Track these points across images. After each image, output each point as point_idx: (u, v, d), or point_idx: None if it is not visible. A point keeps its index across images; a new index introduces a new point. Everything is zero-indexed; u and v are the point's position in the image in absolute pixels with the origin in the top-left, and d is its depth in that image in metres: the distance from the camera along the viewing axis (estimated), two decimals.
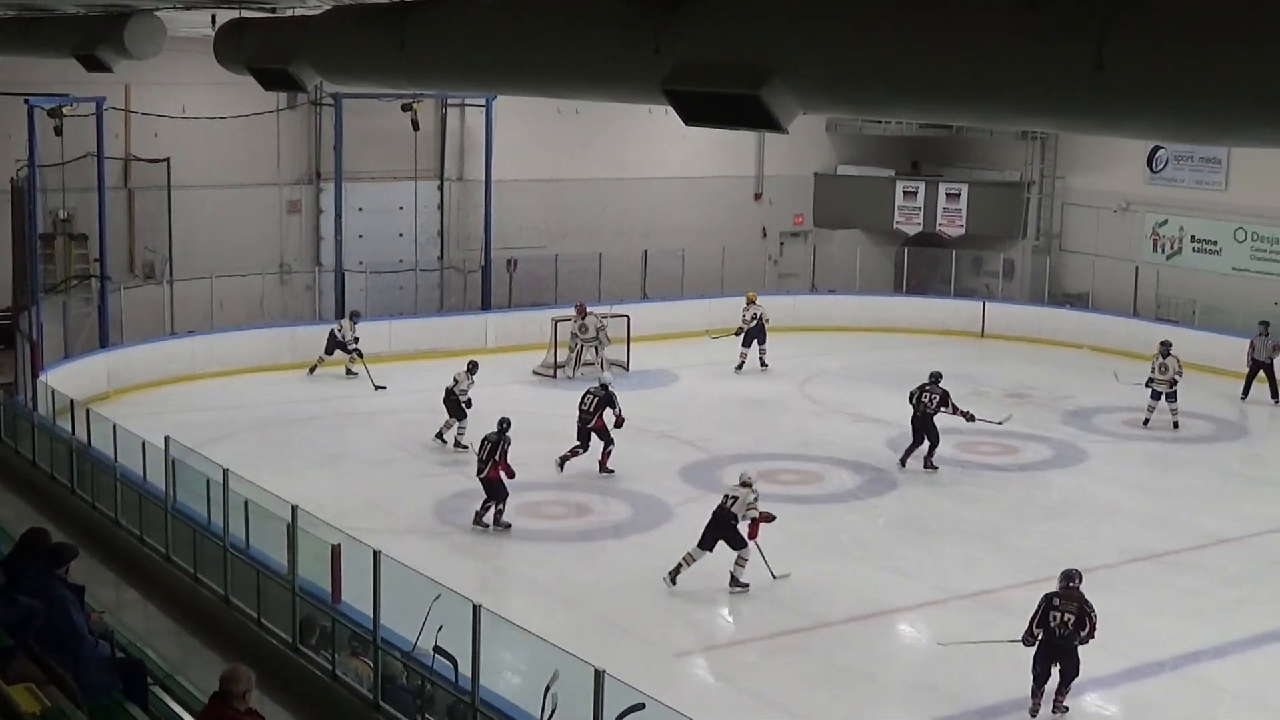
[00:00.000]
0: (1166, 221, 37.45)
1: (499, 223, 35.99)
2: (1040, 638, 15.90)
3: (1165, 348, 28.99)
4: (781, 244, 41.65)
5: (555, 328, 32.44)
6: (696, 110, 9.20)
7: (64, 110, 29.15)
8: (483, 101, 34.89)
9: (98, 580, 17.38)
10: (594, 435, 24.73)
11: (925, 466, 25.45)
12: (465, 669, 13.01)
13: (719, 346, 34.02)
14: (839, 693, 16.84)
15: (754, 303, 34.01)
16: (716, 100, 8.77)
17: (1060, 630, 15.80)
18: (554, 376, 31.89)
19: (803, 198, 41.68)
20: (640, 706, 11.28)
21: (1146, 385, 28.95)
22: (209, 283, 31.94)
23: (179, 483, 18.81)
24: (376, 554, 14.22)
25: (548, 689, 12.01)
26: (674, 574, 19.45)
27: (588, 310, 32.45)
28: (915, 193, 40.61)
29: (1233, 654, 17.90)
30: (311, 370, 31.40)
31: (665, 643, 17.91)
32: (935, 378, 26.07)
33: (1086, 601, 15.96)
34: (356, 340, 31.15)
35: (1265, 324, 31.80)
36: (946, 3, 7.46)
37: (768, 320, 33.75)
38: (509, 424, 22.21)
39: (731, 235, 39.88)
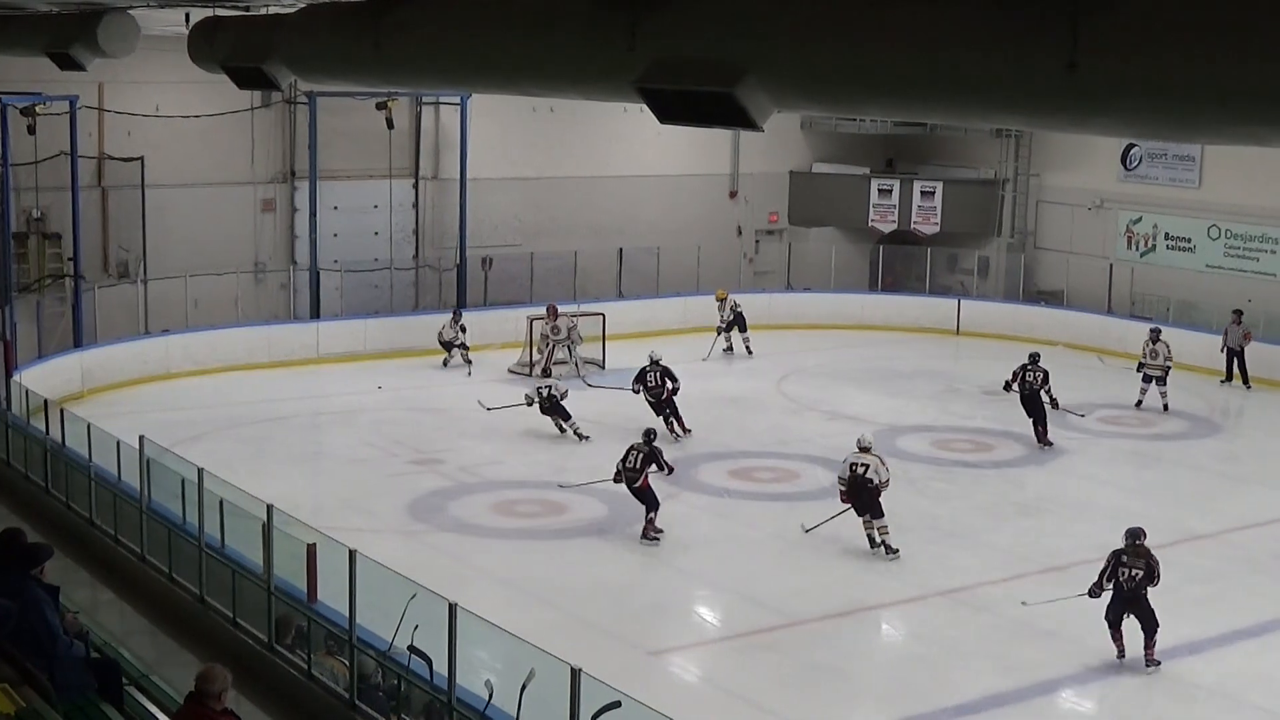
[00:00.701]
0: (1140, 219, 37.58)
1: (474, 221, 35.96)
2: (1110, 590, 17.10)
3: (1155, 334, 29.94)
4: (757, 242, 41.69)
5: (531, 326, 32.43)
6: (671, 108, 9.21)
7: (37, 109, 29.07)
8: (457, 100, 34.84)
9: (72, 580, 17.34)
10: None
11: (1040, 443, 26.90)
12: (441, 668, 13.00)
13: (691, 345, 34.07)
14: (814, 690, 16.85)
15: (725, 300, 34.66)
16: (691, 98, 8.77)
17: (1128, 584, 16.95)
18: (529, 375, 31.85)
19: (778, 196, 41.71)
20: (616, 704, 11.28)
21: (1138, 370, 30.11)
22: (183, 282, 31.84)
23: (154, 482, 18.76)
24: (352, 553, 14.21)
25: (524, 687, 12.01)
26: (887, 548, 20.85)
27: (559, 311, 32.46)
28: (890, 191, 40.66)
29: (1207, 650, 17.95)
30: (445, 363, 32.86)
31: (641, 641, 17.91)
32: (1034, 357, 27.70)
33: (1152, 556, 17.13)
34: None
35: (1238, 312, 32.52)
36: (920, 1, 7.48)
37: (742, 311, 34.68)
38: (655, 434, 22.56)
39: (707, 233, 39.90)
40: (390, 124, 33.61)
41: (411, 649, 13.36)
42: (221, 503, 17.22)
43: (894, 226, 40.63)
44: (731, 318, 34.60)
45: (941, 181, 40.39)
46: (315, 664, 14.76)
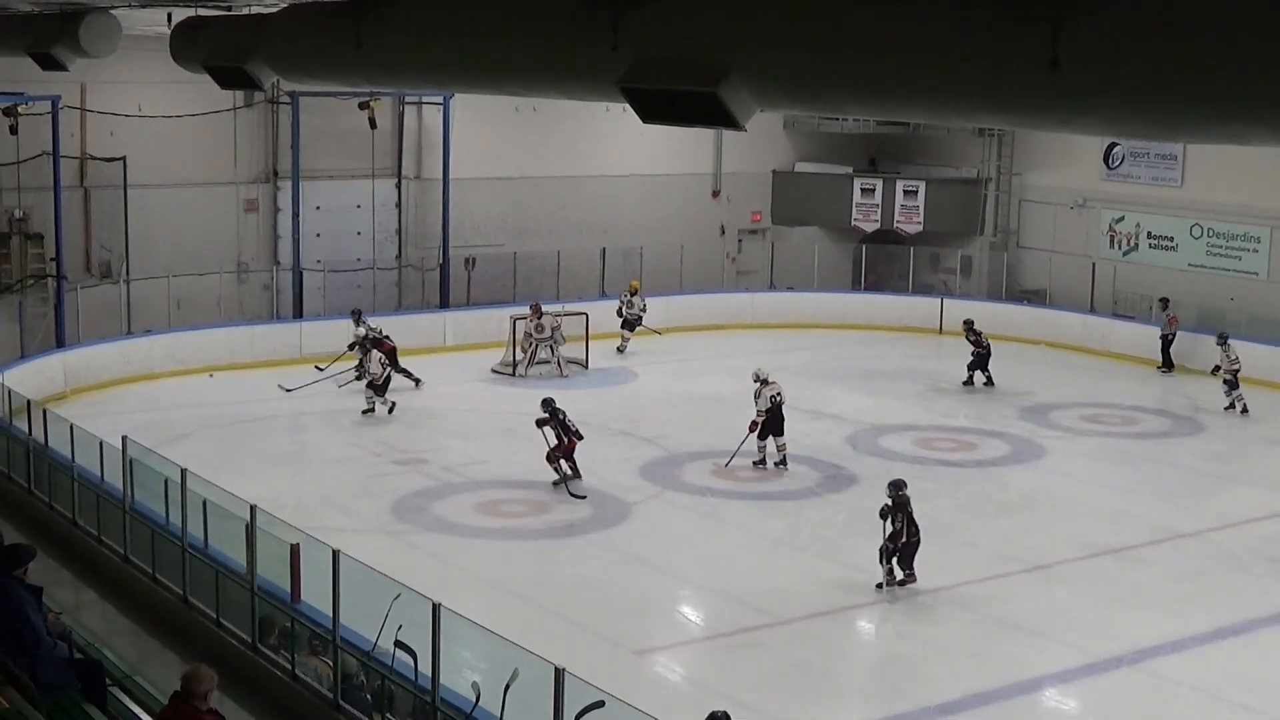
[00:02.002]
0: (1123, 218, 37.66)
1: (457, 221, 35.96)
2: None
3: (1223, 338, 30.19)
4: (740, 241, 41.73)
5: (514, 326, 32.42)
6: (654, 108, 9.21)
7: (19, 109, 29.04)
8: (440, 99, 34.84)
9: (55, 581, 17.31)
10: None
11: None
12: (425, 667, 12.99)
13: (675, 344, 34.11)
14: (798, 690, 16.87)
15: (638, 292, 35.33)
16: (674, 97, 8.78)
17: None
18: (512, 374, 31.88)
19: (761, 195, 41.76)
20: (600, 704, 11.29)
21: (1213, 373, 30.57)
22: (166, 282, 31.81)
23: (137, 483, 18.73)
24: (336, 553, 14.19)
25: (507, 687, 12.01)
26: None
27: (543, 310, 32.48)
28: (873, 190, 40.72)
29: (1189, 648, 17.99)
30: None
31: (625, 640, 17.91)
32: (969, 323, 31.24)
33: None
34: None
35: (1165, 300, 34.02)
36: (903, 0, 7.49)
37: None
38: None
39: (690, 233, 39.93)
40: (373, 124, 33.62)
41: (398, 644, 13.34)
42: (205, 503, 17.19)
43: (877, 226, 40.69)
44: (638, 315, 35.06)
45: (924, 181, 40.46)
46: (299, 664, 14.74)
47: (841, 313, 38.56)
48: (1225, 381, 29.83)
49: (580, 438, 23.98)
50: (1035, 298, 38.71)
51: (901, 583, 19.25)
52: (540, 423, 23.85)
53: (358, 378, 28.57)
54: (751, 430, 25.14)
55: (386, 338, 30.29)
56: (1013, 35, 6.80)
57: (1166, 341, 33.65)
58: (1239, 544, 22.02)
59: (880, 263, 40.82)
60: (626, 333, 34.87)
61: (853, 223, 40.98)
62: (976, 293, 39.67)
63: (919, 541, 19.32)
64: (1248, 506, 23.90)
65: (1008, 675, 17.02)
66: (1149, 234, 37.16)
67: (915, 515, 19.45)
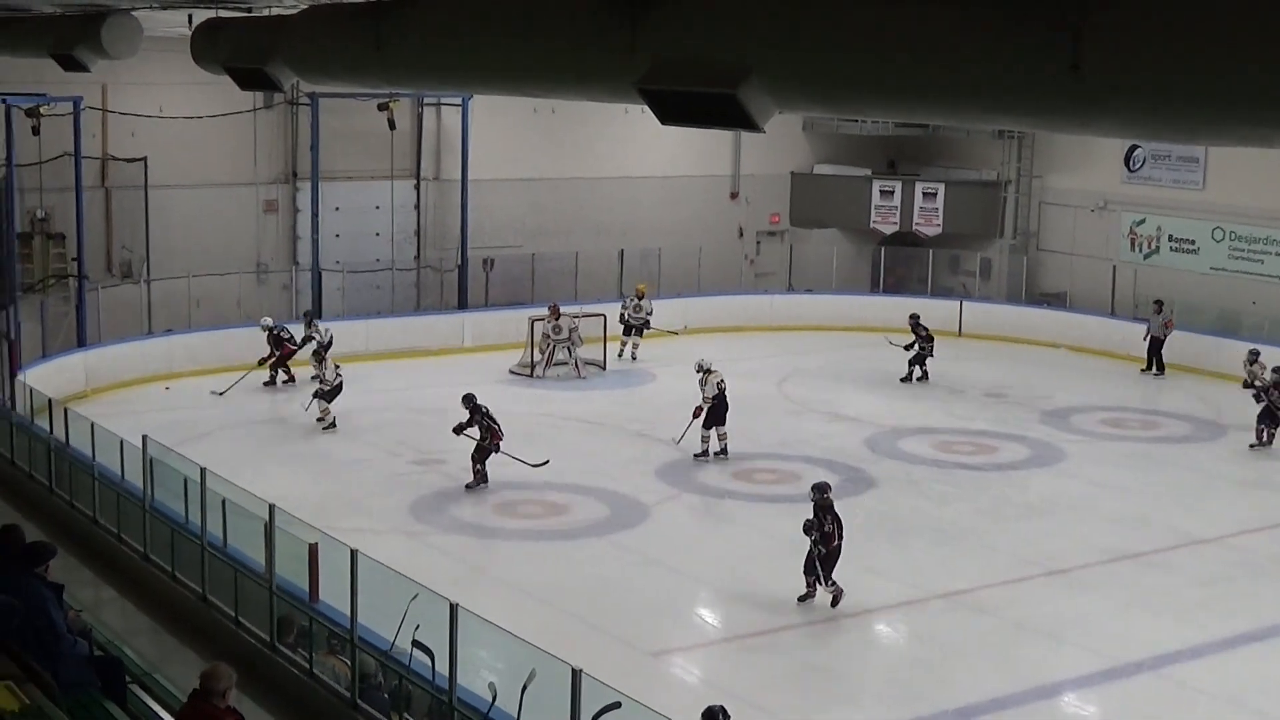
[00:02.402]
0: (1144, 221, 37.57)
1: (475, 222, 35.99)
2: None
3: (1254, 355, 29.08)
4: (758, 243, 41.70)
5: (532, 327, 32.44)
6: (672, 109, 9.21)
7: (41, 110, 29.10)
8: (459, 101, 34.87)
9: (76, 579, 17.35)
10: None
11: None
12: (442, 667, 13.01)
13: (692, 346, 34.07)
14: (813, 692, 16.87)
15: (644, 296, 35.10)
16: (692, 99, 8.77)
17: None
18: (530, 376, 31.90)
19: (779, 197, 41.72)
20: (617, 705, 11.30)
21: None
22: (186, 282, 31.90)
23: (157, 481, 18.79)
24: (354, 553, 14.23)
25: (524, 688, 12.02)
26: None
27: (561, 311, 32.49)
28: (892, 192, 40.67)
29: (1209, 654, 17.95)
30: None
31: (642, 642, 17.92)
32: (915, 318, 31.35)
33: None
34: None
35: (1159, 302, 33.86)
36: (923, 1, 7.48)
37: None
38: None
39: (708, 234, 39.92)
40: (392, 125, 33.64)
41: (415, 643, 13.37)
42: (224, 502, 17.23)
43: (896, 228, 40.65)
44: (641, 322, 34.87)
45: (943, 183, 40.39)
46: (317, 663, 14.78)
47: (860, 315, 38.45)
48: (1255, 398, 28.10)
49: (502, 434, 24.08)
50: (1055, 301, 38.63)
51: (834, 601, 18.84)
52: (460, 428, 23.99)
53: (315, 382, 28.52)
54: (696, 415, 25.80)
55: (290, 339, 30.58)
56: (1033, 37, 6.79)
57: (1158, 344, 33.52)
58: (1259, 550, 21.95)
59: (899, 265, 40.77)
60: (630, 339, 34.70)
61: (871, 225, 40.94)
62: (996, 295, 39.62)
63: (841, 548, 18.97)
64: (1268, 512, 23.80)
65: (1026, 680, 16.99)
66: (1170, 237, 37.06)
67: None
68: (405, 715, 13.57)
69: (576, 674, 11.16)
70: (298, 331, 30.82)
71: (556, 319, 32.18)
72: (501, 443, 23.93)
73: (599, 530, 22.18)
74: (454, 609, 12.67)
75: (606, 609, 18.95)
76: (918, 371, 32.38)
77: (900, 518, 23.06)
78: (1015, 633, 18.45)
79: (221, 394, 29.28)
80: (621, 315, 34.53)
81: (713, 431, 25.76)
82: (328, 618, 15.09)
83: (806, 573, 18.89)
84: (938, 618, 19.17)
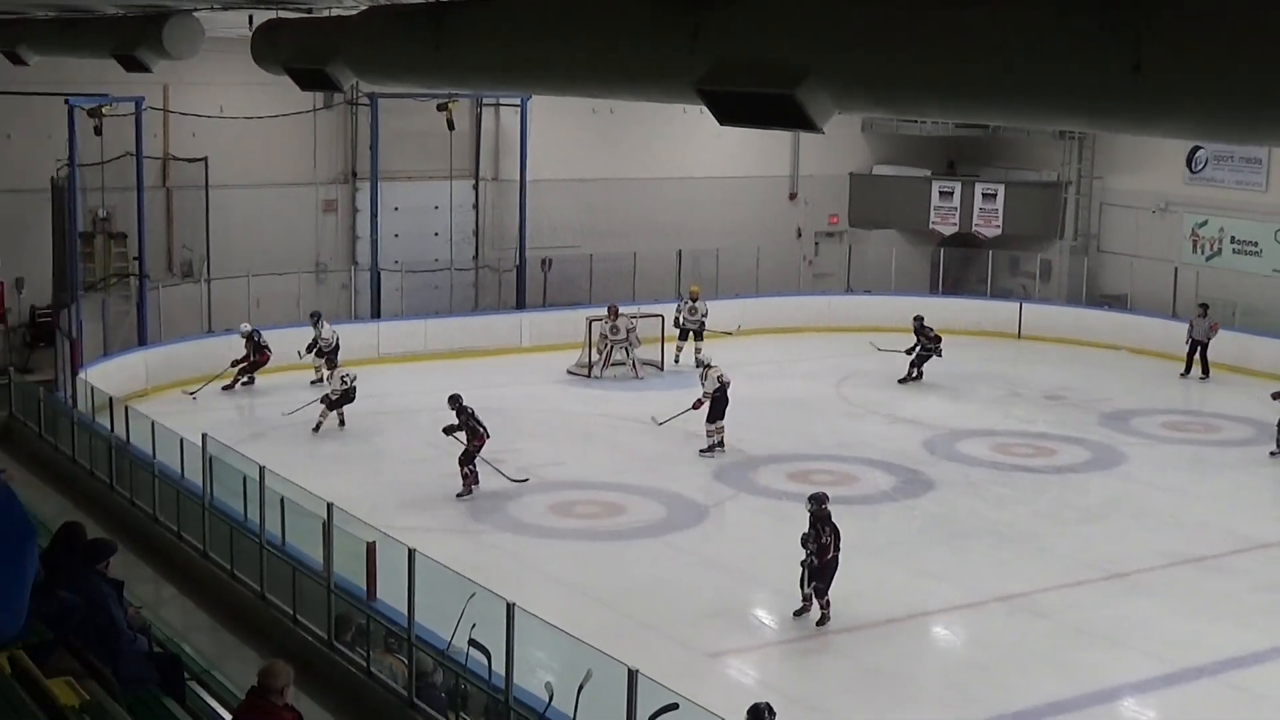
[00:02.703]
0: (1206, 222, 37.27)
1: (534, 222, 36.03)
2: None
3: None
4: (816, 244, 41.59)
5: (590, 327, 32.47)
6: (731, 110, 9.18)
7: (103, 110, 29.30)
8: (517, 101, 34.92)
9: (136, 576, 17.49)
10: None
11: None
12: (498, 666, 13.04)
13: (750, 347, 34.07)
14: (872, 695, 16.82)
15: (698, 299, 34.50)
16: (751, 100, 8.74)
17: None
18: (588, 376, 31.93)
19: (838, 198, 41.61)
20: (674, 706, 11.30)
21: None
22: (246, 281, 32.08)
23: (216, 479, 18.92)
24: (411, 552, 14.28)
25: (581, 688, 12.03)
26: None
27: (619, 311, 32.49)
28: (951, 193, 40.49)
29: (1270, 660, 17.79)
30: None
31: (698, 643, 17.90)
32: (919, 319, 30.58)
33: None
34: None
35: (1204, 306, 33.23)
36: (983, 1, 7.44)
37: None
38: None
39: (766, 235, 39.84)
40: (451, 125, 33.72)
41: (471, 643, 13.40)
42: (282, 500, 17.33)
43: (955, 229, 40.46)
44: (697, 325, 34.20)
45: (1003, 184, 40.18)
46: (374, 662, 14.84)
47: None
48: None
49: (489, 435, 23.81)
50: (1116, 303, 38.36)
51: (820, 621, 18.40)
52: (449, 429, 23.81)
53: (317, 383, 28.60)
54: (695, 407, 26.23)
55: (266, 346, 30.29)
56: (1095, 37, 6.74)
57: (1200, 348, 33.03)
58: None
59: (958, 266, 40.58)
60: (685, 343, 34.03)
61: (931, 226, 40.77)
62: (1056, 297, 39.40)
63: (837, 561, 18.46)
64: None
65: (1084, 684, 16.88)
66: (1232, 239, 36.75)
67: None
68: (462, 714, 13.61)
69: (633, 674, 11.17)
70: (307, 334, 30.57)
71: (614, 320, 32.19)
72: (484, 446, 23.68)
73: (656, 531, 22.17)
74: (511, 608, 12.70)
75: (663, 610, 18.94)
76: (915, 372, 32.29)
77: (958, 520, 22.96)
78: (1073, 637, 18.33)
79: (193, 395, 29.33)
80: (677, 319, 34.20)
81: (715, 425, 25.99)
82: (385, 616, 15.16)
83: (802, 586, 18.52)
84: (995, 621, 19.08)
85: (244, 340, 30.08)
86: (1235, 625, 18.76)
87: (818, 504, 18.53)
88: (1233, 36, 6.23)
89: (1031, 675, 17.16)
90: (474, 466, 23.57)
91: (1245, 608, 19.45)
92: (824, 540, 18.33)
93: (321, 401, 27.28)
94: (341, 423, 27.23)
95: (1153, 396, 31.00)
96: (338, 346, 29.82)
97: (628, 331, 32.22)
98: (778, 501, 23.67)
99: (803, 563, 18.35)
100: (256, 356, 30.12)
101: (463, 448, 23.59)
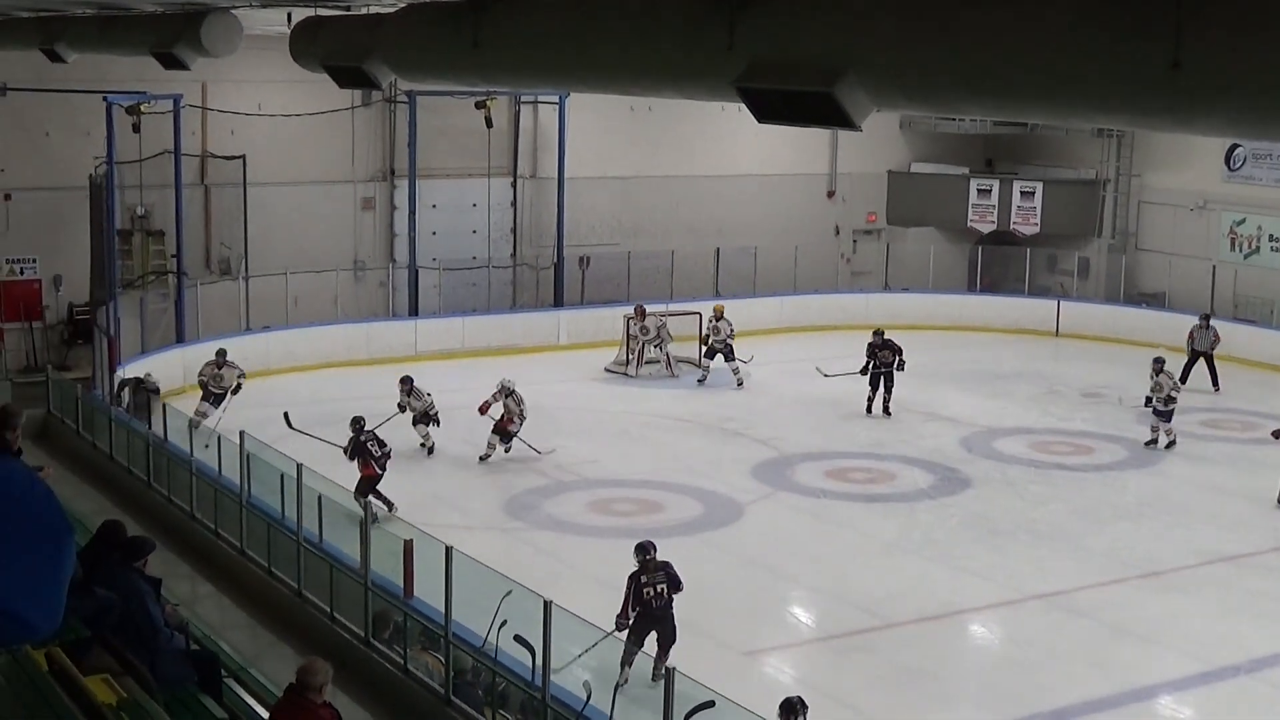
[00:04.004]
0: (1244, 220, 37.08)
1: (572, 220, 36.05)
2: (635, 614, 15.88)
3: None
4: (855, 242, 41.52)
5: (627, 325, 32.46)
6: (769, 108, 9.17)
7: (142, 108, 29.39)
8: (556, 99, 34.95)
9: (173, 573, 17.53)
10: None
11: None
12: (536, 664, 13.05)
13: (788, 345, 34.01)
14: (907, 693, 16.78)
15: (722, 318, 32.10)
16: (789, 98, 8.74)
17: (655, 602, 15.96)
18: (625, 374, 31.91)
19: (876, 195, 41.52)
20: (710, 704, 11.29)
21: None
22: (284, 279, 32.17)
23: (253, 477, 18.96)
24: (449, 549, 14.29)
25: (617, 686, 12.04)
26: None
27: (647, 311, 32.33)
28: (989, 191, 40.37)
29: None
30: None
31: (735, 641, 17.90)
32: (879, 333, 28.91)
33: (669, 565, 16.29)
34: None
35: (1207, 316, 32.33)
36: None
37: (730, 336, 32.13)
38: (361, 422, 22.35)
39: (804, 233, 39.79)
40: (489, 123, 33.73)
41: (517, 638, 13.38)
42: (320, 498, 17.37)
43: (993, 227, 40.34)
44: (724, 341, 31.65)
45: (1041, 182, 40.05)
46: (411, 659, 14.86)
47: (957, 314, 38.27)
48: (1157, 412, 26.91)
49: (383, 470, 21.75)
50: (1154, 301, 38.20)
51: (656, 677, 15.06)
52: (352, 452, 21.90)
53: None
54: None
55: (242, 375, 27.11)
56: (1134, 35, 6.71)
57: (1202, 358, 31.73)
58: None
59: (996, 264, 40.47)
60: (711, 361, 31.96)
61: (969, 224, 40.65)
62: (1094, 295, 39.25)
63: (675, 633, 16.26)
64: None
65: (1121, 682, 16.83)
66: (1271, 237, 36.56)
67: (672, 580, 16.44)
68: (500, 712, 13.62)
69: (670, 672, 11.18)
70: (389, 404, 26.40)
71: (642, 320, 32.11)
72: (380, 479, 21.60)
73: (693, 528, 22.14)
74: (548, 606, 12.70)
75: (700, 607, 18.89)
76: (876, 396, 29.15)
77: (996, 518, 22.90)
78: (1111, 635, 18.27)
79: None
80: (705, 336, 32.45)
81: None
82: (422, 614, 15.17)
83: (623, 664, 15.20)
84: (1033, 619, 19.03)
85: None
86: (1273, 623, 18.67)
87: (643, 554, 16.39)
88: (1272, 34, 6.20)
89: (1068, 673, 17.10)
90: (374, 499, 21.26)
91: None
92: (647, 594, 16.19)
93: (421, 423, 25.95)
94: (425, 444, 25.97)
95: (1190, 395, 30.83)
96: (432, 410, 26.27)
97: (657, 329, 32.12)
98: (814, 499, 23.65)
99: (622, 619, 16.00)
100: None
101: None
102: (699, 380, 32.08)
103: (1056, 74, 7.20)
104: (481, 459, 24.76)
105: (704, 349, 32.45)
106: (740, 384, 31.27)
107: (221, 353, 27.16)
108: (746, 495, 23.63)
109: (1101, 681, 16.83)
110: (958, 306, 38.71)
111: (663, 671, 14.75)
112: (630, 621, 15.87)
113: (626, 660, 14.96)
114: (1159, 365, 26.99)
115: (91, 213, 29.42)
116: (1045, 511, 23.34)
